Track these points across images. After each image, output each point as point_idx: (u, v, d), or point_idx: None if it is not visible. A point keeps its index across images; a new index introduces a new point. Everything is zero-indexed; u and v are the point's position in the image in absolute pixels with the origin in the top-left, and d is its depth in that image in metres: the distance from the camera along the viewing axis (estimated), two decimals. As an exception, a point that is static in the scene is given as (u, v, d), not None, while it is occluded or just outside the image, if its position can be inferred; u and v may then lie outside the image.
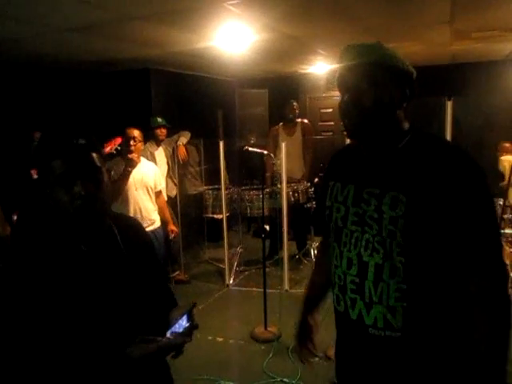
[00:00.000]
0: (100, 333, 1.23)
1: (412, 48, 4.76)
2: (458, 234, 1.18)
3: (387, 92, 1.25)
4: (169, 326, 1.25)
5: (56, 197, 1.21)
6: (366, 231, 1.27)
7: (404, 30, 4.00)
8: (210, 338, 3.68)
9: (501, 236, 1.26)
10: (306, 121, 5.66)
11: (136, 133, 3.68)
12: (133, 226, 1.49)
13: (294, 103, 5.47)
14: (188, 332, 1.30)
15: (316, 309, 1.65)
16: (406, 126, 1.31)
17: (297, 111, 5.49)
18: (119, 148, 3.61)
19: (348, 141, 4.64)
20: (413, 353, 1.25)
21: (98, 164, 1.25)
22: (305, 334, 1.62)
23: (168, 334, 1.23)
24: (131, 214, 3.59)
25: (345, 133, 1.40)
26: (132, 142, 3.61)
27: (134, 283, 1.33)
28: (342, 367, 1.48)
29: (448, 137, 3.81)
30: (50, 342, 1.18)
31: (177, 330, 1.26)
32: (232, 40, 4.00)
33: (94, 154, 1.24)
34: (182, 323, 1.28)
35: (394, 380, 1.30)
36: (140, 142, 3.70)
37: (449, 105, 3.83)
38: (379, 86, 1.24)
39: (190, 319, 1.31)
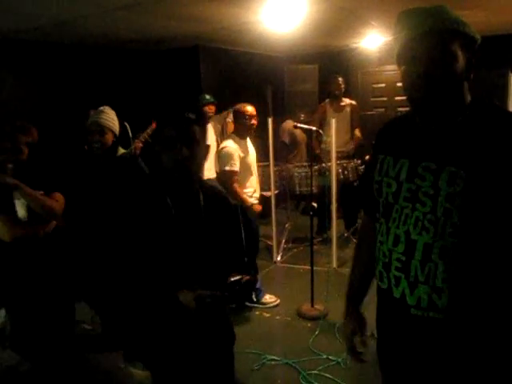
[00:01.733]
0: (163, 271, 1.46)
1: (477, 17, 4.47)
2: None
3: (458, 61, 1.17)
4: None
5: (160, 155, 1.48)
6: (417, 208, 1.21)
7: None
8: (257, 313, 3.72)
9: None
10: (354, 102, 5.54)
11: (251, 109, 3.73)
12: (219, 198, 1.72)
13: (340, 78, 5.34)
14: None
15: (363, 296, 1.58)
16: (469, 98, 1.23)
17: (343, 86, 5.36)
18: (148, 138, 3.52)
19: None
20: (456, 335, 1.21)
21: (198, 137, 1.51)
22: (355, 326, 1.55)
23: None
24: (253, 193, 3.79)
25: (399, 109, 1.33)
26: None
27: (203, 241, 1.54)
28: (382, 345, 1.46)
29: (511, 109, 3.59)
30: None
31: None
32: (281, 14, 3.91)
33: (197, 128, 1.50)
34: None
35: (434, 361, 1.26)
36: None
37: (511, 77, 3.60)
38: (450, 54, 1.16)
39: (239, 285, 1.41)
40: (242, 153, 3.72)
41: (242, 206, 3.67)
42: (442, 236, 1.17)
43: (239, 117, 3.74)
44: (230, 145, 3.71)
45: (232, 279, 1.44)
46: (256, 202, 3.86)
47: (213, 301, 1.43)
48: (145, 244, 1.45)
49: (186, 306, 1.40)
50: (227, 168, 3.65)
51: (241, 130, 3.77)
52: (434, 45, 1.16)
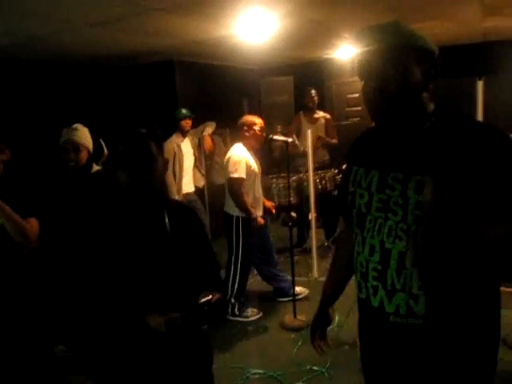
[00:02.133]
0: (128, 296, 1.41)
1: (440, 27, 4.60)
2: (490, 216, 1.13)
3: (411, 75, 1.20)
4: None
5: (115, 174, 1.42)
6: (390, 218, 1.24)
7: (431, 7, 3.86)
8: (239, 326, 3.70)
9: None
10: (328, 116, 5.63)
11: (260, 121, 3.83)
12: (187, 216, 1.65)
13: (313, 91, 5.43)
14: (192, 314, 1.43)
15: (335, 299, 1.65)
16: (432, 107, 1.26)
17: (316, 99, 5.44)
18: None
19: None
20: (435, 340, 1.23)
21: (154, 152, 1.44)
22: (321, 324, 1.65)
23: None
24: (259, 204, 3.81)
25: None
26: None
27: (172, 262, 1.48)
28: (364, 353, 1.48)
29: (479, 117, 3.68)
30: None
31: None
32: (254, 27, 3.95)
33: (152, 143, 1.44)
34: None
35: (415, 367, 1.28)
36: None
37: (479, 85, 3.70)
38: (402, 69, 1.19)
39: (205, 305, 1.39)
40: (250, 162, 3.73)
41: (245, 217, 3.69)
42: (414, 244, 1.20)
43: (250, 128, 3.77)
44: (237, 152, 3.71)
45: (202, 300, 1.39)
46: (260, 214, 3.86)
47: (184, 323, 1.39)
48: (106, 268, 1.40)
49: (155, 330, 1.35)
50: (235, 175, 3.64)
51: (251, 141, 3.79)
52: (386, 60, 1.20)
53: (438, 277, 1.20)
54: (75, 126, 2.85)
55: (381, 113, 1.25)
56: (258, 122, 3.81)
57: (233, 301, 3.82)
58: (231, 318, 3.77)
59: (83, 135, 2.82)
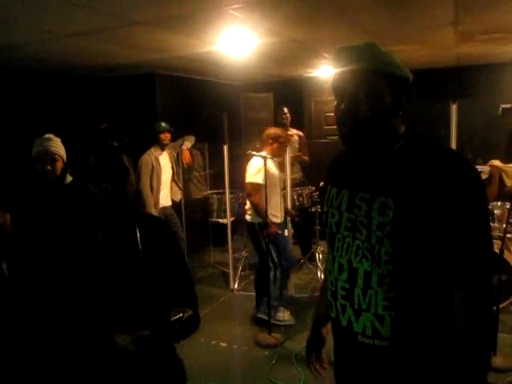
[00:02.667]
0: (95, 315, 1.35)
1: (416, 51, 4.73)
2: (448, 243, 1.14)
3: (382, 100, 1.21)
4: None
5: (86, 188, 1.37)
6: (357, 237, 1.25)
7: (408, 33, 3.98)
8: (213, 342, 3.66)
9: (492, 248, 1.22)
10: (301, 133, 5.73)
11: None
12: (159, 229, 1.60)
13: (285, 109, 5.53)
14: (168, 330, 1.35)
15: (328, 319, 1.62)
16: (402, 129, 1.27)
17: (288, 116, 5.52)
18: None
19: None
20: (400, 362, 1.23)
21: (127, 165, 1.40)
22: (316, 346, 1.61)
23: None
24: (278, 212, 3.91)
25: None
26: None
27: (143, 279, 1.42)
28: (337, 372, 1.48)
29: (453, 140, 3.78)
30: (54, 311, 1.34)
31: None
32: (235, 45, 4.00)
33: (124, 156, 1.40)
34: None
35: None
36: None
37: (453, 108, 3.81)
38: (373, 93, 1.21)
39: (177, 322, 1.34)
40: (271, 171, 3.86)
41: (262, 223, 3.77)
42: (378, 264, 1.21)
43: (275, 141, 3.99)
44: (258, 159, 3.84)
45: (173, 318, 1.35)
46: (278, 221, 3.95)
47: (153, 341, 1.34)
48: (71, 285, 1.34)
49: (123, 349, 1.30)
50: (251, 180, 3.80)
51: (275, 152, 4.00)
52: (358, 84, 1.21)
53: (402, 299, 1.20)
54: (48, 136, 2.80)
55: (350, 135, 1.26)
56: (282, 134, 4.10)
57: (274, 303, 3.86)
58: (273, 321, 3.76)
59: (58, 145, 2.78)
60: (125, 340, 1.29)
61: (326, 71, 6.23)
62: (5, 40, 3.52)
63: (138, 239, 1.45)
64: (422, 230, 1.15)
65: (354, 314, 1.26)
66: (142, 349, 1.31)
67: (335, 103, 1.29)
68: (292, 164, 5.11)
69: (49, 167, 2.69)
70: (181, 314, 1.34)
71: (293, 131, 5.60)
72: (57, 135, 2.87)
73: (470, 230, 1.14)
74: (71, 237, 1.39)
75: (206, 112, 6.28)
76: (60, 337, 1.33)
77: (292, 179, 5.14)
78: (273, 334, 3.68)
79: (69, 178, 2.84)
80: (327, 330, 1.59)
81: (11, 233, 2.40)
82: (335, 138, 5.35)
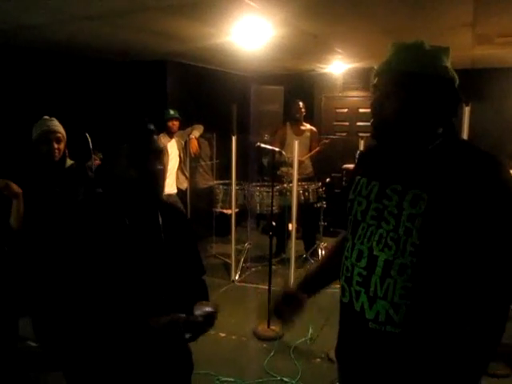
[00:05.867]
0: (127, 299, 1.35)
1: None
2: (476, 243, 1.18)
3: (425, 102, 1.23)
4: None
5: (125, 173, 1.35)
6: (382, 226, 1.28)
7: (424, 32, 3.93)
8: (212, 332, 3.64)
9: None
10: (314, 129, 5.66)
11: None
12: (179, 217, 1.62)
13: (300, 103, 5.47)
14: (205, 323, 1.39)
15: (312, 290, 1.60)
16: (440, 130, 1.29)
17: (303, 111, 5.47)
18: None
19: (362, 143, 4.61)
20: (411, 349, 1.26)
21: (162, 146, 1.43)
22: (290, 301, 1.54)
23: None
24: None
25: (360, 134, 1.39)
26: None
27: (166, 265, 1.44)
28: (342, 360, 1.48)
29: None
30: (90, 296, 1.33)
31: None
32: (249, 35, 3.96)
33: (162, 139, 1.40)
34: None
35: (390, 374, 1.30)
36: None
37: (466, 110, 3.77)
38: (417, 95, 1.23)
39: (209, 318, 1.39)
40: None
41: None
42: (402, 254, 1.23)
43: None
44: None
45: (204, 311, 1.36)
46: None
47: (185, 327, 1.33)
48: (104, 272, 1.34)
49: (159, 332, 1.30)
50: None
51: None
52: (386, 84, 1.26)
53: (421, 289, 1.23)
54: (47, 117, 2.76)
55: (374, 131, 1.31)
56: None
57: None
58: None
59: (60, 125, 2.75)
60: (161, 321, 1.30)
61: (338, 67, 6.19)
62: (16, 21, 3.50)
63: (161, 225, 1.46)
64: (451, 226, 1.18)
65: (368, 301, 1.28)
66: (176, 332, 1.31)
67: (373, 98, 1.31)
68: (301, 160, 5.09)
69: (55, 146, 2.66)
70: (212, 310, 1.36)
71: (306, 126, 5.57)
72: (63, 117, 2.84)
73: (501, 236, 1.18)
74: (99, 221, 1.38)
75: (215, 102, 6.26)
76: (94, 322, 1.33)
77: (302, 175, 5.13)
78: (272, 327, 3.69)
79: (68, 162, 2.81)
80: (304, 300, 1.54)
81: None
82: (344, 134, 5.40)
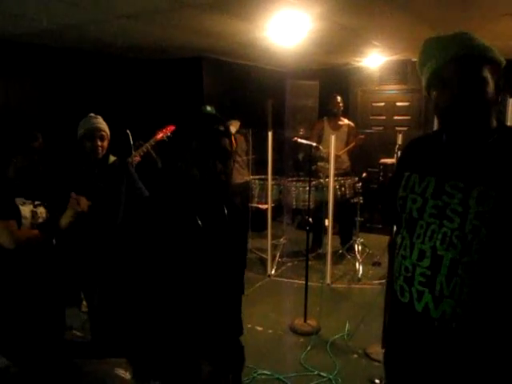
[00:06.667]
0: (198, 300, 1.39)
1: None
2: None
3: (487, 85, 1.22)
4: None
5: (189, 171, 1.36)
6: (445, 225, 1.25)
7: (464, 23, 3.82)
8: (249, 326, 3.70)
9: None
10: (351, 124, 5.62)
11: None
12: (242, 218, 1.62)
13: (338, 97, 5.43)
14: None
15: None
16: (495, 123, 1.28)
17: (341, 105, 5.43)
18: (171, 136, 3.66)
19: (400, 137, 4.53)
20: (479, 346, 1.24)
21: (229, 149, 1.40)
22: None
23: None
24: None
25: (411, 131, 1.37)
26: None
27: (232, 264, 1.48)
28: (397, 356, 1.46)
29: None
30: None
31: None
32: (286, 30, 3.96)
33: (227, 140, 1.41)
34: None
35: (457, 371, 1.29)
36: None
37: (510, 102, 3.65)
38: (480, 79, 1.22)
39: None
40: None
41: None
42: (468, 252, 1.21)
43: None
44: None
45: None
46: None
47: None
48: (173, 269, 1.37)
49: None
50: None
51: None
52: (465, 70, 1.22)
53: (489, 286, 1.21)
54: (94, 114, 2.83)
55: (456, 122, 1.26)
56: None
57: None
58: None
59: (105, 123, 2.81)
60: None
61: (374, 60, 6.09)
62: (57, 21, 3.62)
63: (227, 223, 1.47)
64: None
65: (433, 301, 1.26)
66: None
67: (435, 94, 1.29)
68: (338, 155, 5.06)
69: (99, 143, 2.74)
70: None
71: (344, 121, 5.52)
72: (105, 114, 2.91)
73: None
74: (171, 221, 1.38)
75: (251, 97, 6.29)
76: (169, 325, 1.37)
77: (339, 169, 5.10)
78: (308, 322, 3.69)
79: (111, 158, 2.89)
80: None
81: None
82: (380, 128, 5.32)
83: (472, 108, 1.22)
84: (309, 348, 3.37)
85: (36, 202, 2.38)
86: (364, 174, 5.48)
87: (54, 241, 2.45)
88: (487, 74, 1.22)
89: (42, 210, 2.39)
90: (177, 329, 1.38)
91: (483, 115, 1.24)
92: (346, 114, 5.78)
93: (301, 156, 6.01)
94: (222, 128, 1.39)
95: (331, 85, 6.48)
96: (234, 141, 5.01)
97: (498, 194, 1.17)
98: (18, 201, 2.30)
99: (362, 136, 5.48)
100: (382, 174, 5.94)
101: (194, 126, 1.40)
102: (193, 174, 1.36)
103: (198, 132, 1.37)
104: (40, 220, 2.37)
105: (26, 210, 2.31)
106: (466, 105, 1.22)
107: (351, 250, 5.33)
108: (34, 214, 2.34)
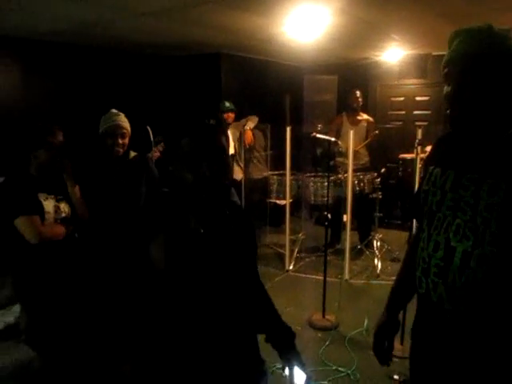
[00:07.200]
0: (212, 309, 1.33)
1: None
2: None
3: (501, 84, 1.21)
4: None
5: (179, 175, 1.22)
6: (458, 216, 1.26)
7: (483, 16, 3.75)
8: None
9: None
10: (371, 119, 5.57)
11: None
12: (247, 221, 1.49)
13: (357, 92, 5.38)
14: None
15: (402, 306, 1.63)
16: None
17: (360, 100, 5.39)
18: None
19: (419, 132, 4.49)
20: (493, 338, 1.24)
21: (224, 145, 1.24)
22: (389, 331, 1.61)
23: None
24: None
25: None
26: None
27: (238, 267, 1.39)
28: (418, 349, 1.47)
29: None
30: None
31: None
32: (304, 25, 3.95)
33: (222, 136, 1.24)
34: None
35: (470, 360, 1.28)
36: None
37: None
38: (478, 78, 1.21)
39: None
40: None
41: None
42: (481, 244, 1.21)
43: None
44: None
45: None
46: None
47: None
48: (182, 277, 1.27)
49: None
50: None
51: None
52: (465, 69, 1.22)
53: (501, 278, 1.21)
54: (116, 111, 2.84)
55: (453, 118, 1.27)
56: None
57: None
58: None
59: (126, 121, 2.83)
60: None
61: (393, 54, 6.03)
62: (80, 19, 3.67)
63: (231, 226, 1.35)
64: None
65: (446, 292, 1.27)
66: None
67: (446, 86, 1.29)
68: (357, 150, 5.04)
69: (120, 141, 2.77)
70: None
71: (363, 116, 5.49)
72: (125, 111, 2.92)
73: None
74: (172, 228, 1.26)
75: (269, 93, 6.29)
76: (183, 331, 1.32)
77: (358, 165, 5.08)
78: (327, 317, 3.70)
79: (131, 154, 2.92)
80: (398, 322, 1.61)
81: (83, 207, 2.55)
82: (400, 123, 5.27)
83: (464, 106, 1.23)
84: (327, 343, 3.38)
85: (58, 197, 2.44)
86: (383, 170, 5.45)
87: (76, 235, 2.50)
88: (491, 72, 1.20)
89: (64, 205, 2.45)
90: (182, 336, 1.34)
91: (482, 112, 1.23)
92: (364, 109, 5.74)
93: (319, 151, 6.00)
94: (213, 122, 1.34)
95: (350, 79, 6.44)
96: (252, 136, 5.05)
97: (508, 186, 1.17)
98: (41, 196, 2.35)
99: (377, 132, 5.43)
100: (401, 169, 5.90)
101: (184, 122, 1.33)
102: (185, 178, 1.20)
103: (188, 131, 1.23)
104: (63, 214, 2.43)
105: (48, 205, 2.37)
106: (458, 103, 1.24)
107: (370, 245, 5.30)
108: (56, 208, 2.40)
